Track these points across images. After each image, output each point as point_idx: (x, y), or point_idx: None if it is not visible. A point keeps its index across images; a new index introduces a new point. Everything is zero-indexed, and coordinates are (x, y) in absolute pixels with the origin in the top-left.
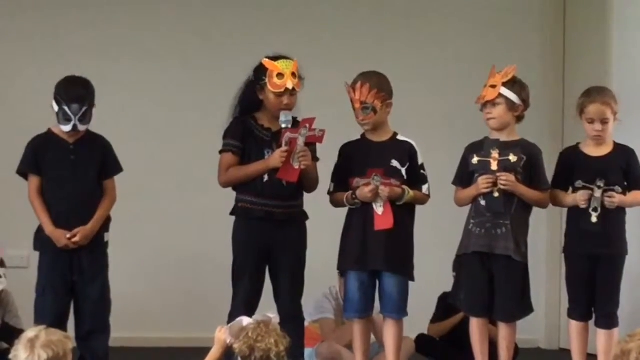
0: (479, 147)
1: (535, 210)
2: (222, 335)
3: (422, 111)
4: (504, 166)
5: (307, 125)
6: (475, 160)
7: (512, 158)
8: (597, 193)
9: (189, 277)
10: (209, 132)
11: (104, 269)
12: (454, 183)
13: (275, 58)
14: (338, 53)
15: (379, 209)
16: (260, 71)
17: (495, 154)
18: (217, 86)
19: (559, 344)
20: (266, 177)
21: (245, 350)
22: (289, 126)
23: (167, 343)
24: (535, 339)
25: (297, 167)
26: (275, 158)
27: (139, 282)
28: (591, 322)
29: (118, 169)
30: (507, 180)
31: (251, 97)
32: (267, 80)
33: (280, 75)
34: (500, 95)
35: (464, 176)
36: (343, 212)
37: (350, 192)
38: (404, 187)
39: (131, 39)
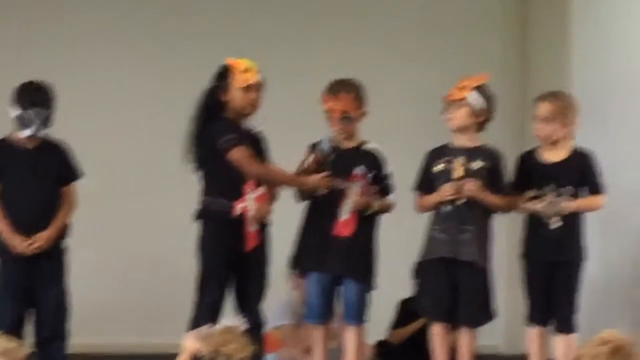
0: (441, 153)
1: (495, 215)
2: (191, 343)
3: (381, 116)
4: (468, 173)
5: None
6: (438, 167)
7: (475, 164)
8: (551, 198)
9: (150, 283)
10: (174, 136)
11: (62, 275)
12: (415, 189)
13: (235, 58)
14: (302, 58)
15: (344, 215)
16: (223, 73)
17: (458, 160)
18: (183, 91)
19: (519, 349)
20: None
21: (210, 354)
22: (325, 154)
23: (128, 349)
24: (495, 344)
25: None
26: (315, 180)
27: (99, 287)
28: (550, 328)
29: (77, 174)
30: (471, 187)
31: (215, 102)
32: (232, 77)
33: (246, 70)
34: (466, 98)
35: (426, 182)
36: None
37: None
38: (373, 199)
39: (95, 45)
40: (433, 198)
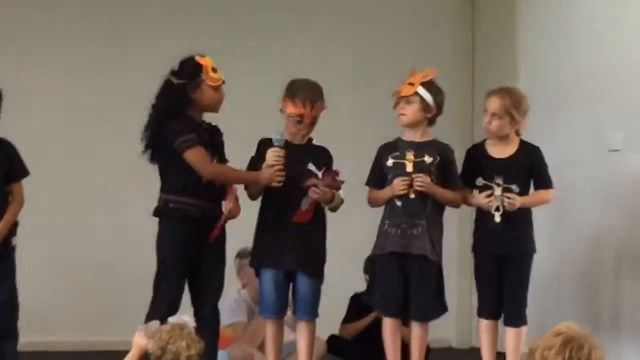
0: (393, 148)
1: (446, 209)
2: (141, 339)
3: (331, 111)
4: (419, 167)
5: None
6: (390, 162)
7: (427, 159)
8: (497, 191)
9: (101, 280)
10: (123, 134)
11: (11, 274)
12: (367, 184)
13: (201, 55)
14: (244, 52)
15: (305, 205)
16: (194, 70)
17: (410, 155)
18: (129, 87)
19: (471, 342)
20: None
21: (157, 351)
22: (281, 146)
23: (78, 347)
24: (446, 338)
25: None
26: (266, 177)
27: (49, 285)
28: (501, 321)
29: (24, 172)
30: (422, 181)
31: (181, 98)
32: (203, 76)
33: (214, 69)
34: (416, 93)
35: (378, 177)
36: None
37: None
38: (335, 192)
39: (36, 42)
40: (384, 193)
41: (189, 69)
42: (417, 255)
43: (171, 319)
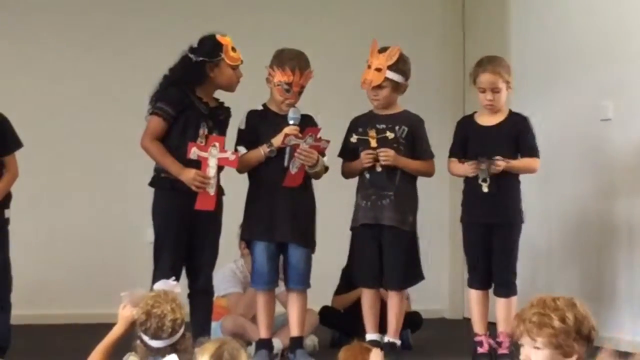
0: (362, 121)
1: (438, 181)
2: (126, 312)
3: (320, 83)
4: (383, 141)
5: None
6: (354, 138)
7: (390, 133)
8: (482, 165)
9: (94, 253)
10: (117, 106)
11: (4, 246)
12: (340, 155)
13: (222, 35)
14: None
15: (294, 168)
16: (215, 48)
17: (372, 132)
18: (125, 58)
19: (463, 313)
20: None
21: (142, 316)
22: (297, 123)
23: (71, 319)
24: (440, 309)
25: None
26: (186, 178)
27: (42, 258)
28: (491, 291)
29: (17, 144)
30: (386, 155)
31: (197, 74)
32: (223, 54)
33: (233, 49)
34: (386, 79)
35: (347, 150)
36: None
37: (264, 144)
38: (319, 156)
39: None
40: (356, 165)
41: (210, 47)
42: (388, 225)
43: (156, 286)
